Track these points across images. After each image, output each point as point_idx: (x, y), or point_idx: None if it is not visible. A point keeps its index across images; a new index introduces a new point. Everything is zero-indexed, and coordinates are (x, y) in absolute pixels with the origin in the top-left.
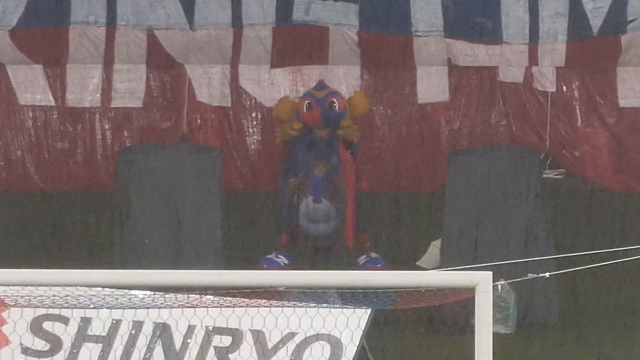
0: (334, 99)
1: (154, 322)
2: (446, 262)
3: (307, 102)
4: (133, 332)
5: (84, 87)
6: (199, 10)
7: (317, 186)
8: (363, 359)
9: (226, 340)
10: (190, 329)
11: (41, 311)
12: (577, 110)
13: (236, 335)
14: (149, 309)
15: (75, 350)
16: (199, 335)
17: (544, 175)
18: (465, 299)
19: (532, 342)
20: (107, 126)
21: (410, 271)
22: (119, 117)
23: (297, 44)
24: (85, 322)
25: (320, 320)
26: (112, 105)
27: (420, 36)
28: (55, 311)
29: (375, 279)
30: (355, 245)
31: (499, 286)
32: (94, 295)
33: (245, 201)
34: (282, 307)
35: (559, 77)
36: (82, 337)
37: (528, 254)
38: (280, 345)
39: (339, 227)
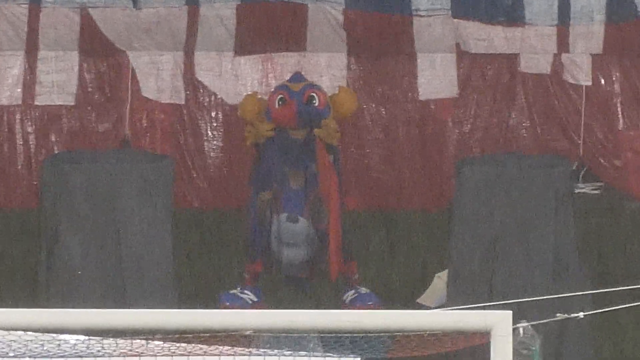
0: (314, 93)
1: None
2: (454, 299)
3: (279, 96)
4: None
5: (0, 79)
6: None
7: (292, 201)
8: None
9: None
10: None
11: None
12: (618, 109)
13: None
14: (83, 358)
15: None
16: None
17: (577, 190)
18: (478, 345)
19: None
20: (29, 129)
21: (410, 310)
22: (45, 117)
23: (268, 25)
24: None
25: None
26: (37, 103)
27: (422, 16)
28: None
29: (365, 320)
30: (340, 277)
31: (521, 329)
32: (14, 341)
33: (202, 222)
34: (250, 355)
35: (595, 67)
36: None
37: (557, 289)
38: None
39: (319, 252)
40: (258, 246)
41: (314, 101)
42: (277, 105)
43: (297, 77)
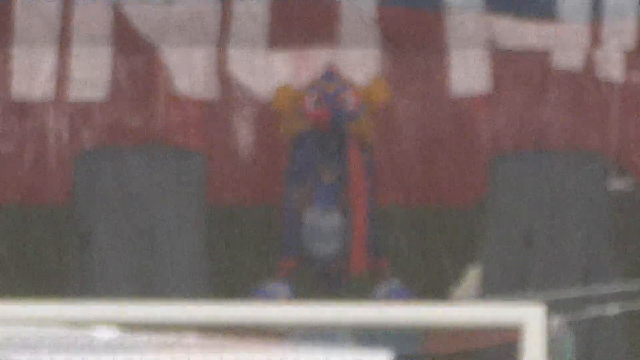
0: (348, 93)
1: None
2: (487, 294)
3: (313, 97)
4: None
5: (33, 75)
6: None
7: (324, 195)
8: None
9: None
10: None
11: None
12: None
13: None
14: (116, 353)
15: None
16: None
17: (610, 187)
18: (510, 341)
19: None
20: (62, 124)
21: (442, 305)
22: (77, 112)
23: (301, 21)
24: None
25: None
26: (69, 98)
27: (454, 12)
28: None
29: (398, 315)
30: (372, 272)
31: (554, 324)
32: (46, 337)
33: (236, 217)
34: (282, 350)
35: (628, 63)
36: None
37: (590, 285)
38: None
39: (348, 248)
40: (292, 242)
41: (348, 104)
42: (311, 108)
43: (329, 75)
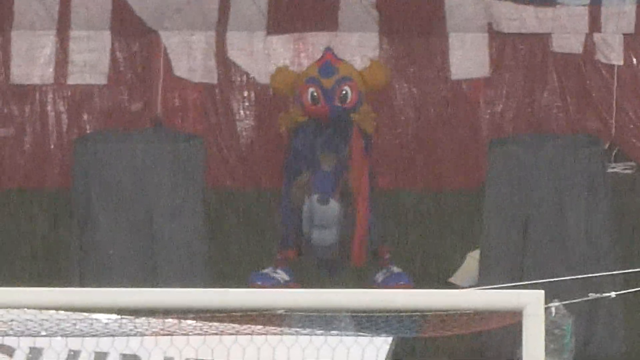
0: (346, 87)
1: (121, 354)
2: (486, 278)
3: (311, 90)
4: None
5: (32, 59)
6: None
7: (323, 182)
8: None
9: None
10: None
11: None
12: None
13: None
14: (115, 337)
15: None
16: None
17: (609, 170)
18: (509, 325)
19: None
20: (62, 108)
21: (441, 290)
22: (77, 96)
23: (300, 5)
24: (35, 353)
25: (328, 351)
26: (69, 82)
27: None
28: None
29: (397, 300)
30: (363, 262)
31: (553, 309)
32: (46, 320)
33: (235, 201)
34: (282, 334)
35: (627, 46)
36: None
37: (588, 269)
38: None
39: (348, 236)
40: (291, 233)
41: (346, 96)
42: (309, 100)
43: (328, 66)
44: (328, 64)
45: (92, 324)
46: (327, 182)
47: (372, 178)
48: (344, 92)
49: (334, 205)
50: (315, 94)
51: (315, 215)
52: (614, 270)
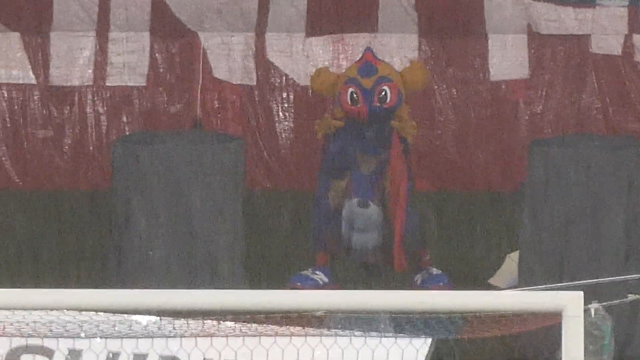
0: (385, 87)
1: (160, 355)
2: (525, 279)
3: (350, 90)
4: None
5: (72, 60)
6: None
7: (362, 186)
8: None
9: None
10: None
11: (19, 341)
12: None
13: None
14: (154, 339)
15: None
16: None
17: None
18: (549, 326)
19: None
20: (101, 109)
21: (481, 291)
22: (116, 98)
23: (339, 6)
24: (75, 355)
25: (368, 353)
26: (108, 84)
27: None
28: (37, 341)
29: (436, 301)
30: (403, 267)
31: (592, 310)
32: (85, 322)
33: (274, 202)
34: (321, 336)
35: None
36: None
37: (629, 270)
38: None
39: (388, 239)
40: (326, 236)
41: (386, 99)
42: (348, 101)
43: (367, 67)
44: (367, 64)
45: (131, 325)
46: (367, 185)
47: (410, 180)
48: (383, 92)
49: (373, 209)
50: (354, 94)
51: (355, 219)
52: None
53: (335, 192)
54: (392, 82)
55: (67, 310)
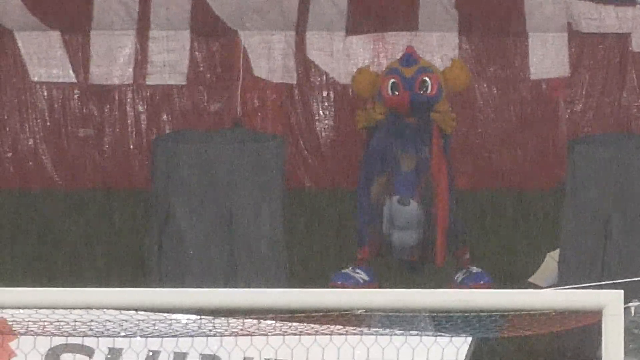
0: (426, 77)
1: (200, 354)
2: (565, 278)
3: (391, 80)
4: None
5: (112, 59)
6: None
7: (403, 183)
8: None
9: None
10: None
11: (59, 340)
12: None
13: None
14: (194, 338)
15: None
16: None
17: None
18: (589, 324)
19: None
20: (141, 108)
21: (521, 290)
22: (157, 96)
23: (379, 4)
24: (115, 353)
25: (408, 351)
26: (148, 82)
27: None
28: (77, 340)
29: (477, 300)
30: (451, 258)
31: (632, 308)
32: (125, 321)
33: (314, 201)
34: (361, 334)
35: None
36: None
37: None
38: None
39: (429, 236)
40: (368, 232)
41: (427, 88)
42: (389, 91)
43: (408, 58)
44: (409, 55)
45: (171, 324)
46: (408, 183)
47: (451, 178)
48: (424, 80)
49: (414, 207)
50: (395, 83)
51: (396, 217)
52: None
53: (378, 188)
54: (433, 73)
55: (108, 309)
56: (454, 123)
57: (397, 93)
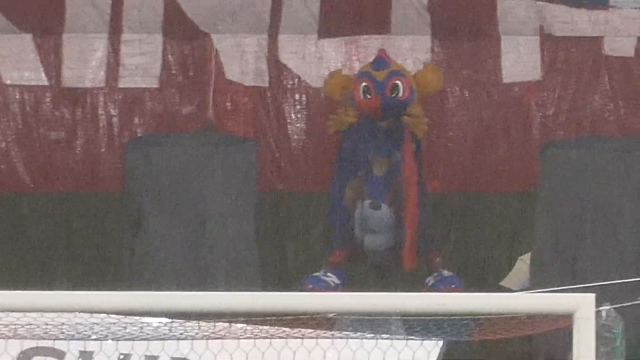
0: (398, 81)
1: (171, 357)
2: (537, 281)
3: (363, 84)
4: None
5: (84, 62)
6: None
7: (375, 187)
8: None
9: None
10: None
11: (30, 343)
12: None
13: None
14: (166, 341)
15: None
16: None
17: None
18: (561, 328)
19: None
20: (113, 111)
21: (492, 293)
22: (129, 99)
23: (352, 8)
24: (86, 357)
25: (379, 355)
26: (120, 85)
27: None
28: (48, 343)
29: (448, 303)
30: (423, 261)
31: (604, 312)
32: (97, 324)
33: (286, 204)
34: (332, 338)
35: None
36: None
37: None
38: None
39: (400, 241)
40: (340, 236)
41: (398, 91)
42: (361, 95)
43: (380, 61)
44: (380, 58)
45: (142, 327)
46: (380, 187)
47: (422, 182)
48: (396, 84)
49: (386, 211)
50: (367, 87)
51: (368, 221)
52: None
53: (350, 192)
54: (405, 77)
55: (79, 312)
56: (426, 127)
57: (369, 97)
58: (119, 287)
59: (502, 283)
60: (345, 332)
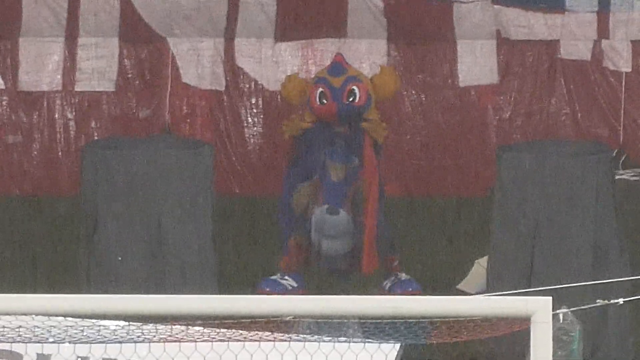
0: (354, 87)
1: None
2: (494, 285)
3: (319, 90)
4: None
5: (41, 66)
6: None
7: (332, 193)
8: None
9: None
10: None
11: None
12: None
13: None
14: (123, 344)
15: None
16: None
17: (617, 177)
18: (518, 331)
19: None
20: (70, 115)
21: (449, 297)
22: (85, 103)
23: (308, 12)
24: (43, 359)
25: (337, 358)
26: (77, 89)
27: (462, 2)
28: (5, 346)
29: (405, 306)
30: (372, 272)
31: (561, 315)
32: (54, 327)
33: (243, 208)
34: (289, 341)
35: (635, 53)
36: None
37: (596, 276)
38: None
39: (359, 245)
40: (288, 238)
41: (355, 97)
42: (317, 101)
43: (336, 67)
44: (337, 64)
45: (99, 330)
46: (337, 193)
47: (381, 186)
48: (352, 90)
49: (344, 216)
50: (323, 93)
51: (325, 226)
52: (622, 277)
53: (300, 196)
54: (362, 82)
55: (36, 315)
56: (385, 132)
57: (325, 102)
58: (77, 290)
59: (459, 286)
60: (302, 335)
